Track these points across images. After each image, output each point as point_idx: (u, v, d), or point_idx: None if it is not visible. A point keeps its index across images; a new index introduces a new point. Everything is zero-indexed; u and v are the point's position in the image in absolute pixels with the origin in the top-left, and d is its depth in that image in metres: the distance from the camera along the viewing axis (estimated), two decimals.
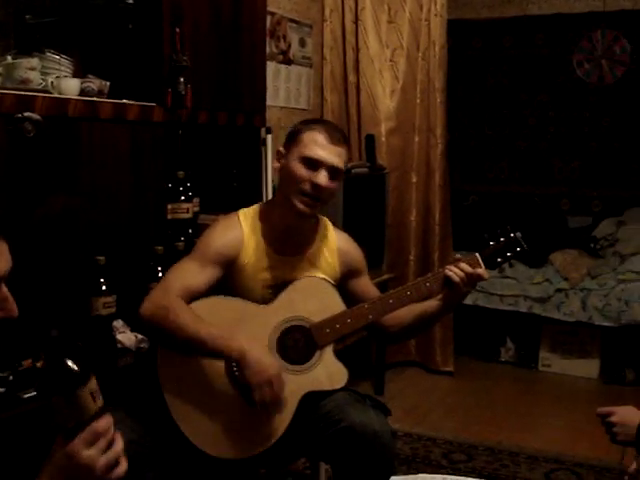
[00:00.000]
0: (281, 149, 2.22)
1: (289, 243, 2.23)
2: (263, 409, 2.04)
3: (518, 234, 2.27)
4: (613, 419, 2.02)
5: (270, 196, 3.35)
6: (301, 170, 2.13)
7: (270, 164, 3.39)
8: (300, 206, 2.14)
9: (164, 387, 2.07)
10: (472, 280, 2.19)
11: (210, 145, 3.17)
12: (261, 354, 2.01)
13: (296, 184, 2.13)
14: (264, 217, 2.24)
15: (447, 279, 2.19)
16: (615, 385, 4.57)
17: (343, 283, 2.32)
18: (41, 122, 2.24)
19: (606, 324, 4.56)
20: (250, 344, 2.00)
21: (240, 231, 2.20)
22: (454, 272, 2.18)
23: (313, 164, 2.12)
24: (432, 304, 2.26)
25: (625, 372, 4.59)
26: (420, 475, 2.24)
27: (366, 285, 2.38)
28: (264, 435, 2.09)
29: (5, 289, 1.19)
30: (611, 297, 4.54)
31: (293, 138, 2.19)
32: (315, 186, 2.12)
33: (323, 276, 2.24)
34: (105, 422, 1.17)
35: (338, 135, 2.18)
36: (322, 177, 2.12)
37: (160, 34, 2.72)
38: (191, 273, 2.11)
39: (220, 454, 2.06)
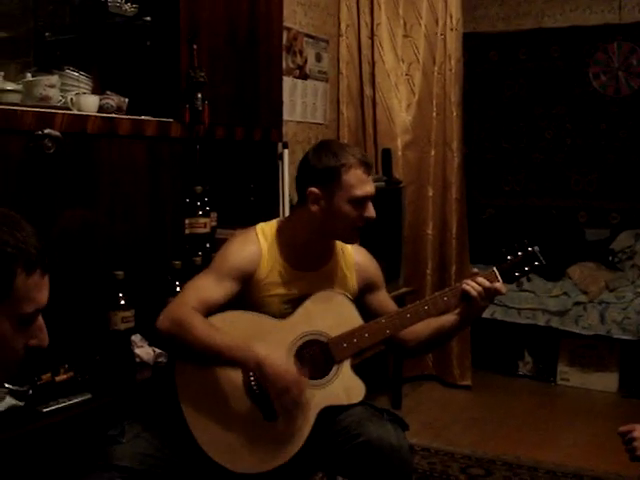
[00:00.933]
0: (315, 190, 2.15)
1: (307, 258, 2.24)
2: (285, 415, 2.05)
3: (536, 248, 2.27)
4: (635, 434, 2.01)
5: (287, 210, 3.36)
6: (352, 211, 2.15)
7: (287, 178, 3.40)
8: (354, 240, 2.23)
9: (182, 401, 2.07)
10: (490, 294, 2.19)
11: (227, 160, 3.19)
12: (277, 362, 1.99)
13: (349, 224, 2.17)
14: (283, 233, 2.24)
15: (465, 293, 2.19)
16: (634, 399, 4.52)
17: (361, 297, 2.33)
18: (61, 139, 2.26)
19: (625, 337, 4.52)
20: (266, 352, 1.99)
21: (258, 246, 2.21)
22: (472, 286, 2.18)
23: (362, 201, 2.16)
24: (450, 318, 2.26)
25: None
26: None
27: (384, 299, 2.38)
28: (282, 449, 2.09)
29: (41, 319, 1.24)
30: (630, 310, 4.50)
31: (331, 179, 2.13)
32: (369, 219, 2.17)
33: (340, 291, 2.25)
34: None
35: (367, 159, 2.21)
36: (372, 210, 2.18)
37: (177, 51, 2.75)
38: (208, 287, 2.12)
39: (237, 468, 2.06)
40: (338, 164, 2.13)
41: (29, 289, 1.19)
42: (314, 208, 2.16)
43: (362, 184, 2.15)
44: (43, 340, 1.28)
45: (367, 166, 2.18)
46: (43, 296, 1.23)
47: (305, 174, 2.20)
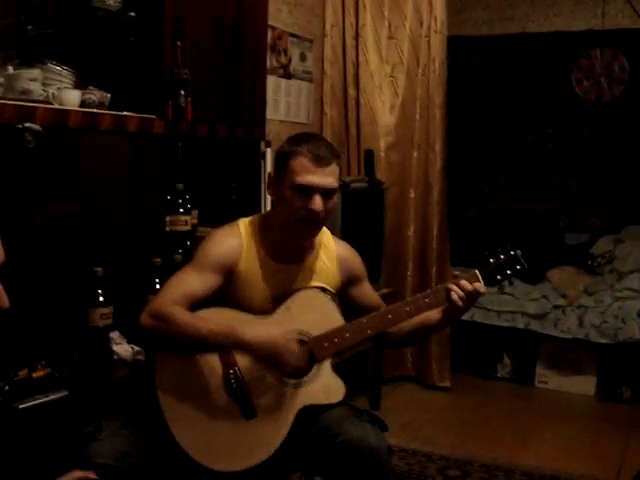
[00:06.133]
0: (271, 174, 2.23)
1: (288, 252, 2.23)
2: (264, 414, 2.09)
3: (518, 252, 2.27)
4: None
5: (269, 208, 3.36)
6: (295, 199, 2.11)
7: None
8: (304, 235, 2.19)
9: (161, 398, 2.06)
10: (471, 297, 2.19)
11: (210, 158, 3.18)
12: (263, 337, 2.03)
13: (293, 213, 2.13)
14: (264, 227, 2.24)
15: (447, 295, 2.19)
16: (611, 403, 4.57)
17: (344, 291, 2.33)
18: (42, 133, 2.24)
19: (603, 341, 4.55)
20: (249, 331, 2.02)
21: (239, 240, 2.20)
22: (454, 290, 2.18)
23: (306, 191, 2.11)
24: (431, 316, 2.26)
25: (622, 390, 4.58)
26: None
27: (367, 291, 2.39)
28: (260, 448, 2.08)
29: None
30: (608, 314, 4.53)
31: (281, 164, 2.16)
32: (311, 212, 2.11)
33: (323, 285, 2.25)
34: None
35: (325, 153, 2.13)
36: (316, 203, 2.10)
37: (161, 47, 2.73)
38: (190, 281, 2.11)
39: (215, 466, 2.05)
40: (289, 150, 2.15)
41: None
42: (269, 192, 2.23)
43: (306, 173, 2.10)
44: (2, 302, 1.20)
45: (318, 158, 2.11)
46: None
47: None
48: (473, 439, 3.93)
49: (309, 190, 2.10)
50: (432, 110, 4.61)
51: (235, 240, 2.20)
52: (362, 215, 4.06)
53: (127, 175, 2.69)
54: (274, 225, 2.22)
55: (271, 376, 2.11)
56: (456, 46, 5.38)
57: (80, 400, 2.21)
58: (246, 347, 2.03)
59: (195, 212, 2.97)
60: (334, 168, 2.15)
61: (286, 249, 2.23)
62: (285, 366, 2.06)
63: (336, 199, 2.19)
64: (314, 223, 2.14)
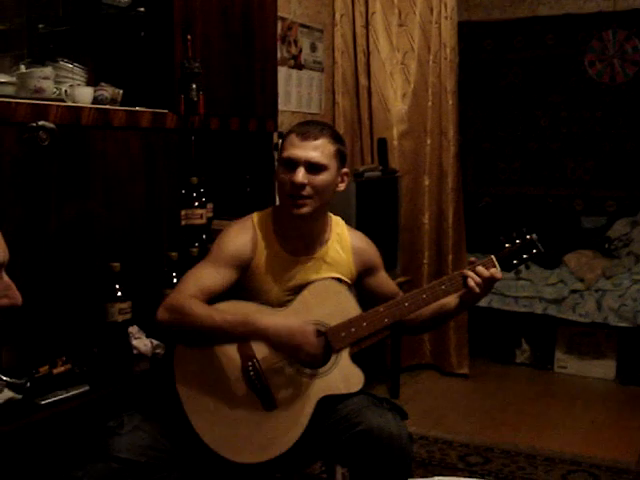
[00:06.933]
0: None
1: (302, 244, 2.24)
2: (284, 405, 2.09)
3: (534, 236, 2.27)
4: None
5: None
6: (282, 174, 2.16)
7: None
8: (292, 210, 2.16)
9: (180, 392, 2.07)
10: (488, 283, 2.19)
11: (223, 151, 3.18)
12: (280, 326, 2.02)
13: (281, 188, 2.17)
14: (277, 219, 2.25)
15: (464, 281, 2.19)
16: (632, 386, 4.55)
17: (360, 281, 2.33)
18: (55, 130, 2.25)
19: (622, 325, 4.53)
20: (267, 320, 2.02)
21: (253, 233, 2.21)
22: (470, 277, 2.18)
23: (291, 165, 2.14)
24: (448, 302, 2.28)
25: None
26: (436, 478, 2.24)
27: (384, 280, 2.40)
28: (281, 439, 2.09)
29: (7, 277, 1.21)
30: (626, 297, 4.51)
31: (280, 150, 2.22)
32: (293, 184, 2.13)
33: (338, 276, 2.25)
34: None
35: (313, 130, 2.17)
36: (297, 174, 2.12)
37: (172, 41, 2.73)
38: (206, 276, 2.13)
39: (237, 458, 2.06)
40: (285, 133, 2.22)
41: None
42: (274, 179, 2.26)
43: (291, 147, 2.15)
44: (15, 298, 1.22)
45: (305, 132, 2.16)
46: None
47: None
48: (493, 425, 3.93)
49: (293, 163, 2.14)
50: (444, 97, 4.59)
51: (249, 234, 2.21)
52: (377, 204, 4.06)
53: (141, 170, 2.70)
54: (285, 216, 2.23)
55: (290, 367, 2.12)
56: (467, 31, 5.36)
57: (101, 395, 2.23)
58: (262, 335, 2.02)
59: (210, 205, 2.97)
60: (322, 144, 2.16)
61: (298, 240, 2.23)
62: (302, 354, 2.04)
63: (326, 177, 2.17)
64: (300, 197, 2.14)
